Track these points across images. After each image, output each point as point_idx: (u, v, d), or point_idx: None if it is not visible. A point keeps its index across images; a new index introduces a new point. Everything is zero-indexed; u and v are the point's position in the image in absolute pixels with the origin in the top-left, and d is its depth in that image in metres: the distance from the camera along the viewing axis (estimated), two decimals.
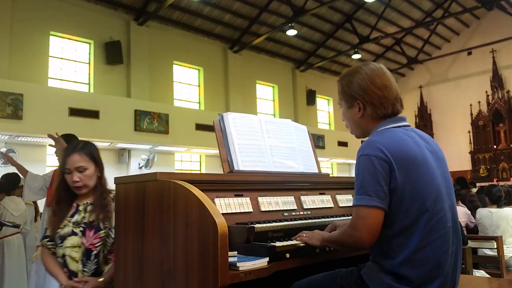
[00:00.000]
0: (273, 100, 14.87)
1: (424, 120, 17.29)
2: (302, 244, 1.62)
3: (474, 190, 7.57)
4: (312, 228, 1.78)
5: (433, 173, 1.47)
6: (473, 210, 5.00)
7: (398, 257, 1.41)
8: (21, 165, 3.82)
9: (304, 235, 1.66)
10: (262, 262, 1.45)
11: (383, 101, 1.55)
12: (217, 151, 2.01)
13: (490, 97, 15.63)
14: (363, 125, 1.62)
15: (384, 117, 1.57)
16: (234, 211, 1.75)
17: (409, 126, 1.59)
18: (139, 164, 10.34)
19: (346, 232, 1.47)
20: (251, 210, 1.82)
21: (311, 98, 15.44)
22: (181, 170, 11.77)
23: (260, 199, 1.88)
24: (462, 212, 4.66)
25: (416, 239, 1.40)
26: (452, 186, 1.56)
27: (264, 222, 1.73)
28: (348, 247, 1.55)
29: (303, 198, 2.06)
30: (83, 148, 2.14)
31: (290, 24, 11.84)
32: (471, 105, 15.97)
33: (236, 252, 1.49)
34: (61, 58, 10.12)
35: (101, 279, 1.96)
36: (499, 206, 4.34)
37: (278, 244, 1.58)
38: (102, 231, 2.03)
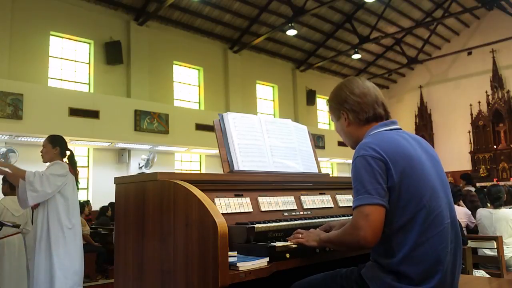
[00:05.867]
0: (273, 100, 14.87)
1: (424, 120, 17.29)
2: (295, 246, 1.60)
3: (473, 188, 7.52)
4: (312, 228, 1.77)
5: (428, 171, 1.49)
6: (473, 210, 4.98)
7: (397, 255, 1.42)
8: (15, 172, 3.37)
9: (300, 236, 1.64)
10: (262, 262, 1.45)
11: (362, 106, 1.64)
12: (217, 151, 2.01)
13: (490, 97, 15.63)
14: (352, 133, 1.70)
15: (367, 120, 1.65)
16: (234, 211, 1.75)
17: (400, 129, 1.64)
18: (139, 164, 10.34)
19: (347, 232, 1.45)
20: (251, 210, 1.82)
21: (311, 98, 15.44)
22: (181, 170, 11.78)
23: (260, 199, 1.88)
24: (463, 212, 4.64)
25: (414, 236, 1.41)
26: (448, 185, 1.58)
27: (264, 222, 1.73)
28: (350, 247, 1.54)
29: (303, 198, 2.06)
30: None
31: (290, 24, 11.83)
32: (471, 105, 15.97)
33: (236, 252, 1.49)
34: (61, 58, 10.12)
35: None
36: (496, 207, 4.31)
37: (278, 244, 1.57)
38: None
